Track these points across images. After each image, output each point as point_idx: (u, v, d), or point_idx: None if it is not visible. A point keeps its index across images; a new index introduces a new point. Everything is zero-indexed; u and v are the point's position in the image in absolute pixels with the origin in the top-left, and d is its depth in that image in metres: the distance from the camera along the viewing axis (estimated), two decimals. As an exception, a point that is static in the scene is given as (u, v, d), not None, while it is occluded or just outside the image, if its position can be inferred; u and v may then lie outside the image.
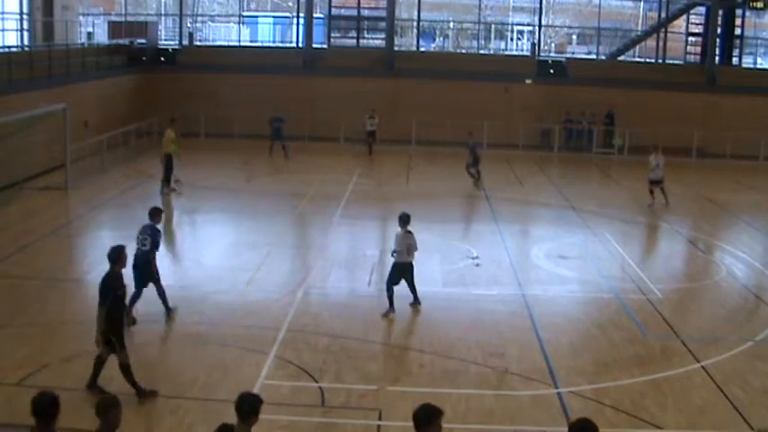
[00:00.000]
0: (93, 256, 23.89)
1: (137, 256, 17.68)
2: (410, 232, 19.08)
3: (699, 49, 57.24)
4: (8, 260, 22.85)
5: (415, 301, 19.57)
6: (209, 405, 14.08)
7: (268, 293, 21.08)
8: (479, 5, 58.38)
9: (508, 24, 64.49)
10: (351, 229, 28.60)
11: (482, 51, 58.14)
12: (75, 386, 14.15)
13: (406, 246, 18.94)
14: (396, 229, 19.58)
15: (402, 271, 19.11)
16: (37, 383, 14.03)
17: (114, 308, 13.96)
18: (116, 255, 14.26)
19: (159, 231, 18.36)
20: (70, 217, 29.04)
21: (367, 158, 42.83)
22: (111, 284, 13.99)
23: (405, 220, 19.25)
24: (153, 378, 15.11)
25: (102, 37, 52.43)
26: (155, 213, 18.63)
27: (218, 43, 59.32)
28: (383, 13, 53.57)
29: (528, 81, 49.87)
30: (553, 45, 64.75)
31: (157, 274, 18.15)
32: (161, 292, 18.32)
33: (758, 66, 60.20)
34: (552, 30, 64.93)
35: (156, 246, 18.05)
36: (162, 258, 24.08)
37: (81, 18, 52.60)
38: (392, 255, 19.26)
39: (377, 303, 20.18)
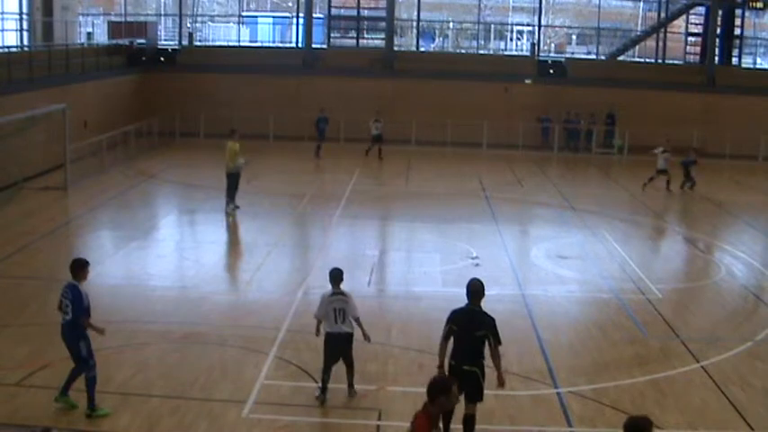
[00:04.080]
0: (93, 256, 23.88)
1: (62, 326, 13.79)
2: (342, 293, 14.65)
3: (698, 49, 57.25)
4: (8, 260, 22.85)
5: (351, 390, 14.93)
6: (208, 405, 14.08)
7: (268, 293, 21.08)
8: (479, 5, 58.40)
9: (508, 24, 64.53)
10: (351, 229, 28.61)
11: (482, 51, 58.13)
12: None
13: (333, 310, 14.48)
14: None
15: (337, 344, 14.59)
16: (37, 383, 14.04)
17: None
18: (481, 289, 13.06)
19: (82, 293, 13.69)
20: (70, 217, 29.06)
21: (366, 159, 42.55)
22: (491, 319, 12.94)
23: (335, 277, 14.80)
24: (153, 378, 15.12)
25: (101, 37, 52.47)
26: (78, 268, 13.95)
27: (217, 43, 59.28)
28: (383, 13, 53.54)
29: (528, 81, 49.85)
30: (553, 45, 64.82)
31: (87, 352, 13.74)
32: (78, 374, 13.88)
33: (758, 66, 60.22)
34: (552, 30, 64.99)
35: (81, 312, 13.62)
36: (162, 259, 24.26)
37: (81, 18, 52.62)
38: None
39: (377, 304, 20.21)
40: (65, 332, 13.68)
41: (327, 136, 44.39)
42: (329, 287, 14.62)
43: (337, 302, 14.48)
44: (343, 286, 14.69)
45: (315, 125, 43.37)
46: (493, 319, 12.86)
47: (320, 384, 14.61)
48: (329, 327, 14.48)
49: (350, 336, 14.55)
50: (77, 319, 13.53)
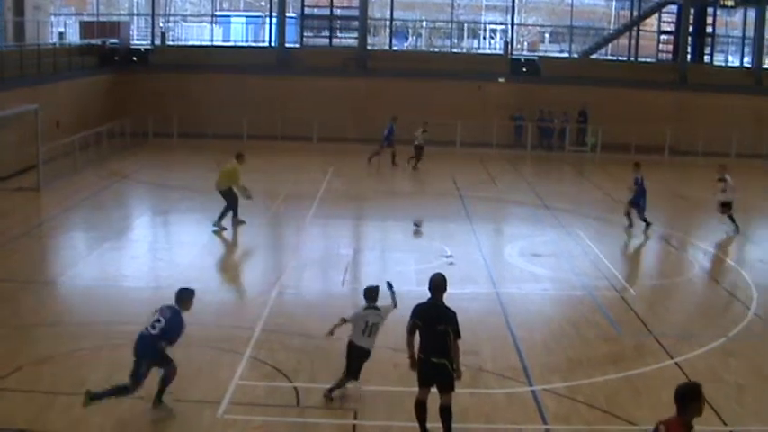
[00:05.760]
0: (67, 257, 23.83)
1: (141, 337, 13.46)
2: (377, 308, 14.67)
3: (671, 47, 57.65)
4: (-20, 262, 22.73)
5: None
6: (182, 406, 14.03)
7: (242, 293, 21.09)
8: (452, 4, 58.55)
9: (481, 23, 64.66)
10: (324, 229, 28.58)
11: (455, 50, 58.29)
12: (49, 389, 14.07)
13: (365, 323, 14.43)
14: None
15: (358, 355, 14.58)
16: (10, 386, 13.96)
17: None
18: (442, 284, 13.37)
19: (183, 322, 13.68)
20: (43, 218, 28.90)
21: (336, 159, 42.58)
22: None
23: (371, 295, 14.82)
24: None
25: (73, 37, 52.24)
26: (186, 297, 13.96)
27: (190, 43, 59.06)
28: (356, 13, 53.51)
29: (501, 80, 49.99)
30: (526, 44, 65.02)
31: (144, 372, 13.43)
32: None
33: (729, 64, 60.61)
34: (525, 28, 65.18)
35: (166, 335, 13.42)
36: (136, 259, 24.17)
37: (52, 18, 52.43)
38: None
39: (351, 303, 20.19)
40: (142, 344, 13.37)
41: (300, 135, 44.54)
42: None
43: (372, 316, 14.46)
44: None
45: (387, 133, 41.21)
46: (454, 314, 13.00)
47: (336, 385, 14.61)
48: (355, 337, 14.48)
49: (368, 353, 14.49)
50: (160, 340, 13.34)
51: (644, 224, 28.56)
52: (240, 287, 21.87)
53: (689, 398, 9.23)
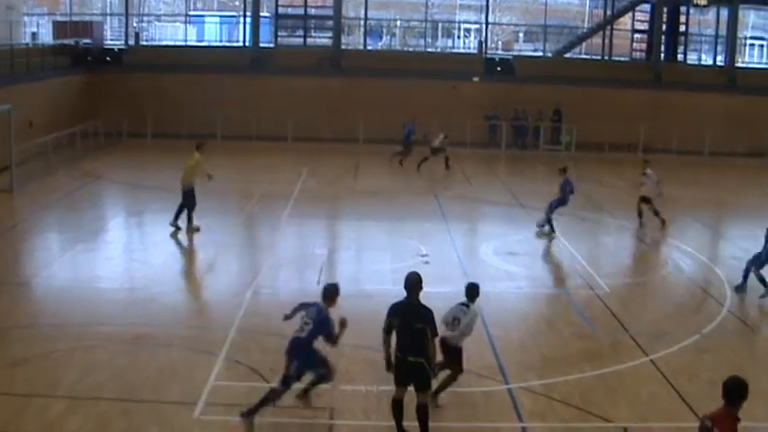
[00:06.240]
0: (41, 258, 23.70)
1: (293, 341, 13.55)
2: (467, 305, 14.85)
3: (644, 45, 57.91)
4: (-47, 264, 22.59)
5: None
6: (159, 407, 13.98)
7: (217, 294, 21.01)
8: (426, 4, 58.52)
9: (455, 22, 64.68)
10: (299, 229, 28.57)
11: (429, 49, 58.25)
12: (23, 391, 13.99)
13: (452, 318, 14.70)
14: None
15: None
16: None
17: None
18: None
19: (328, 320, 13.63)
20: (16, 219, 28.73)
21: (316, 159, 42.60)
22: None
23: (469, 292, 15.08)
24: (102, 380, 14.99)
25: (46, 37, 51.98)
26: (333, 293, 14.08)
27: (164, 43, 58.79)
28: (330, 12, 53.55)
29: (475, 79, 50.04)
30: (500, 43, 65.04)
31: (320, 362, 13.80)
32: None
33: (702, 62, 60.91)
34: (499, 27, 65.20)
35: (315, 335, 13.50)
36: (111, 260, 24.06)
37: (25, 18, 52.11)
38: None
39: (327, 302, 20.21)
40: (296, 348, 13.49)
41: (274, 135, 44.55)
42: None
43: (456, 310, 14.73)
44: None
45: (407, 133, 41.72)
46: (431, 312, 13.00)
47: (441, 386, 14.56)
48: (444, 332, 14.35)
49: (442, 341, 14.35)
50: (311, 342, 13.51)
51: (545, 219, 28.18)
52: (215, 288, 21.80)
53: (740, 396, 9.64)
